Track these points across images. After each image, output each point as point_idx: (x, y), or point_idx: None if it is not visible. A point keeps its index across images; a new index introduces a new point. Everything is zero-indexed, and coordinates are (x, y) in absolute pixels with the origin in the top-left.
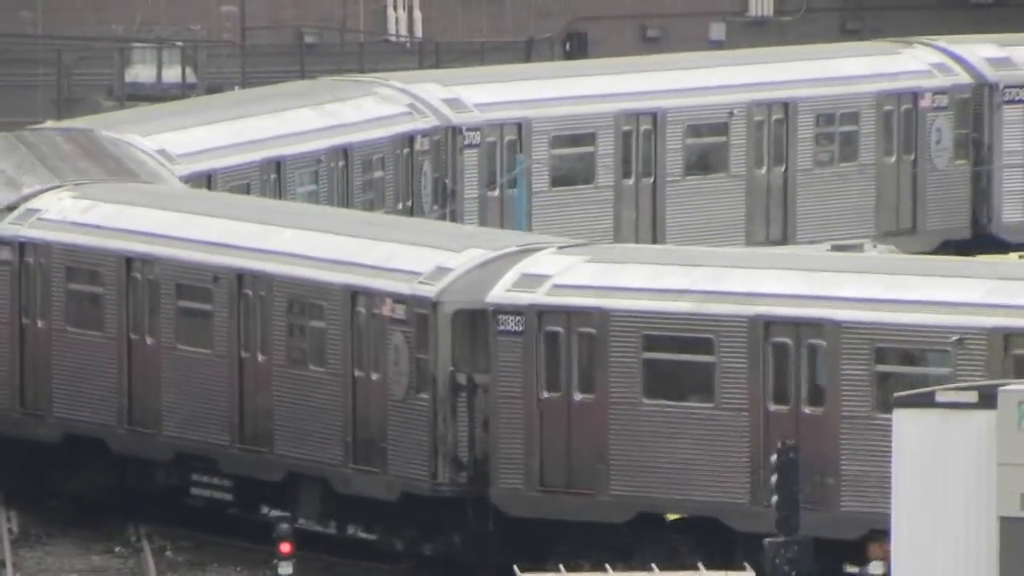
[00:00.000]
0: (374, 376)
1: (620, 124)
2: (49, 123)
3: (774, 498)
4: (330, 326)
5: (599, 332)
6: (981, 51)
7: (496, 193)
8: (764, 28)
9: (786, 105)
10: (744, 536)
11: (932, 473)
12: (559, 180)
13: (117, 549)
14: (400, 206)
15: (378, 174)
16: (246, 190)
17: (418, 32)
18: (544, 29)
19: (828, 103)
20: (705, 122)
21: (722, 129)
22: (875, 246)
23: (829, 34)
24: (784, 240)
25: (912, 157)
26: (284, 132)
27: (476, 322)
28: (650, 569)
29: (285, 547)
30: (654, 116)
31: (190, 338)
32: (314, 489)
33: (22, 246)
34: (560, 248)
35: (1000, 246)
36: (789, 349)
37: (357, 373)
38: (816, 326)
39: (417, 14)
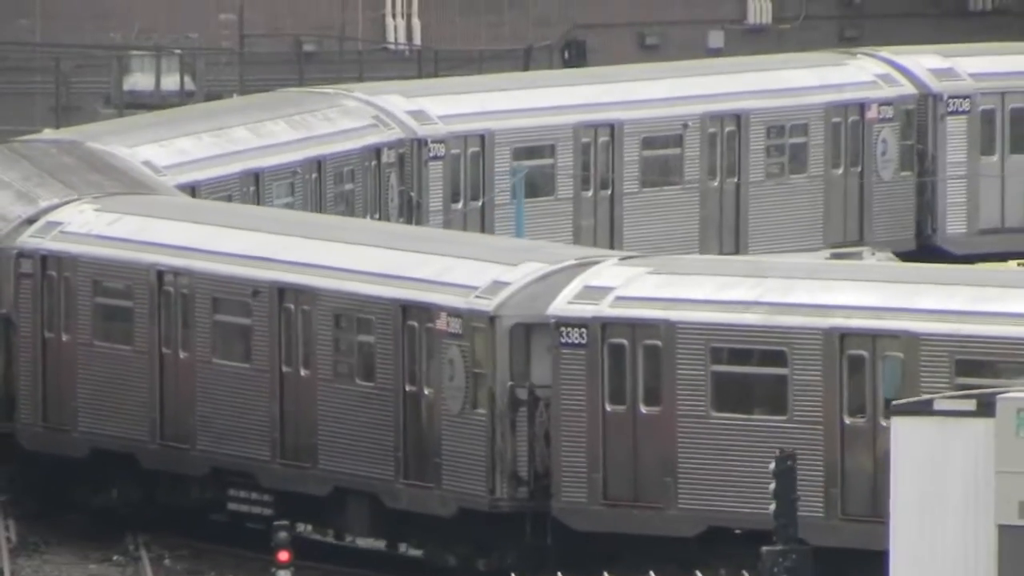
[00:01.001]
0: (427, 391)
1: (579, 136)
2: (34, 135)
3: (772, 506)
4: (379, 340)
5: (665, 344)
6: (925, 62)
7: (460, 205)
8: (763, 36)
9: (738, 117)
10: (818, 550)
11: (930, 481)
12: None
13: (115, 557)
14: (369, 219)
15: (348, 186)
16: (227, 201)
17: (417, 40)
18: (543, 37)
19: (778, 115)
20: (660, 134)
21: (677, 141)
22: (874, 253)
23: (828, 42)
24: (736, 252)
25: (859, 169)
26: (260, 144)
27: (533, 336)
28: None
29: (283, 555)
30: (611, 128)
31: (227, 352)
32: (362, 504)
33: (44, 259)
34: (622, 260)
35: (945, 258)
36: (865, 361)
37: (408, 387)
38: (894, 338)
39: (416, 22)
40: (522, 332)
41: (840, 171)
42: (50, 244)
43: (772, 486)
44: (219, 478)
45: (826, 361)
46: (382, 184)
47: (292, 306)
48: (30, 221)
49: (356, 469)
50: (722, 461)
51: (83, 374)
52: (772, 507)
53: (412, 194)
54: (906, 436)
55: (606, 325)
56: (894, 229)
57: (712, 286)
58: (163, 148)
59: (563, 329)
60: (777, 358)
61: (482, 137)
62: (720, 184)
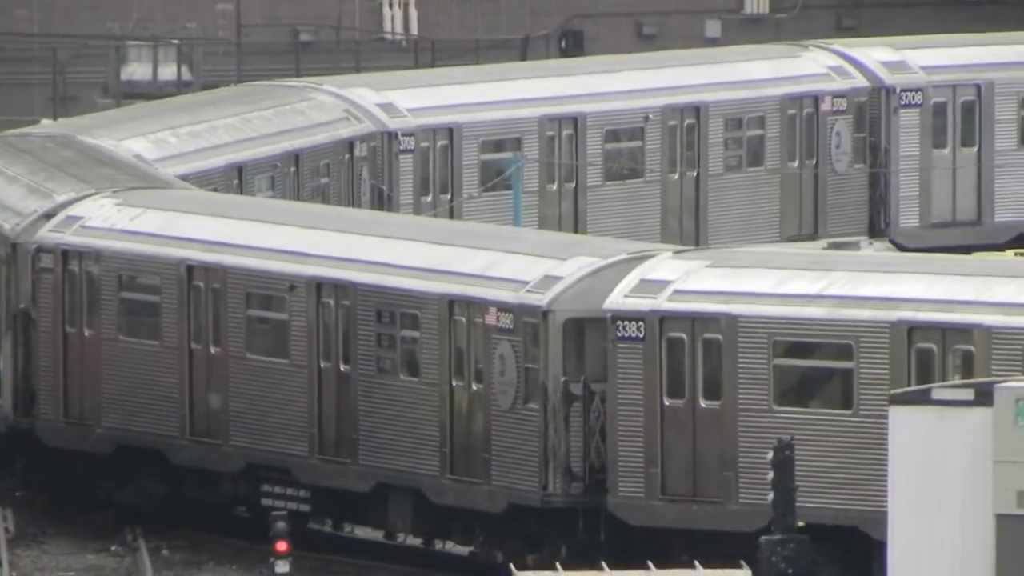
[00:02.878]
0: (475, 386)
1: (544, 129)
2: (26, 128)
3: (770, 496)
4: (425, 335)
5: (726, 338)
6: (876, 54)
7: (429, 199)
8: (760, 25)
9: (697, 109)
10: (884, 545)
11: (928, 471)
12: (489, 186)
13: (113, 548)
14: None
15: (324, 180)
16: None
17: (414, 30)
18: (540, 27)
19: (737, 107)
20: (623, 127)
21: (638, 134)
22: (871, 243)
23: (825, 31)
24: (696, 245)
25: (814, 161)
26: (240, 138)
27: (585, 331)
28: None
29: (282, 546)
30: (575, 121)
31: (261, 348)
32: (405, 500)
33: (65, 253)
34: (677, 253)
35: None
36: (934, 355)
37: (455, 383)
38: (965, 332)
39: (413, 12)
40: (575, 327)
41: (796, 164)
42: (71, 239)
43: (770, 475)
44: (252, 474)
45: (894, 355)
46: (354, 178)
47: (331, 301)
48: (48, 216)
49: (399, 465)
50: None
51: (107, 369)
52: (770, 497)
53: (383, 187)
54: (904, 425)
55: (664, 319)
56: (848, 222)
57: (774, 279)
58: (149, 141)
59: (620, 323)
60: (843, 352)
61: (450, 130)
62: (680, 177)
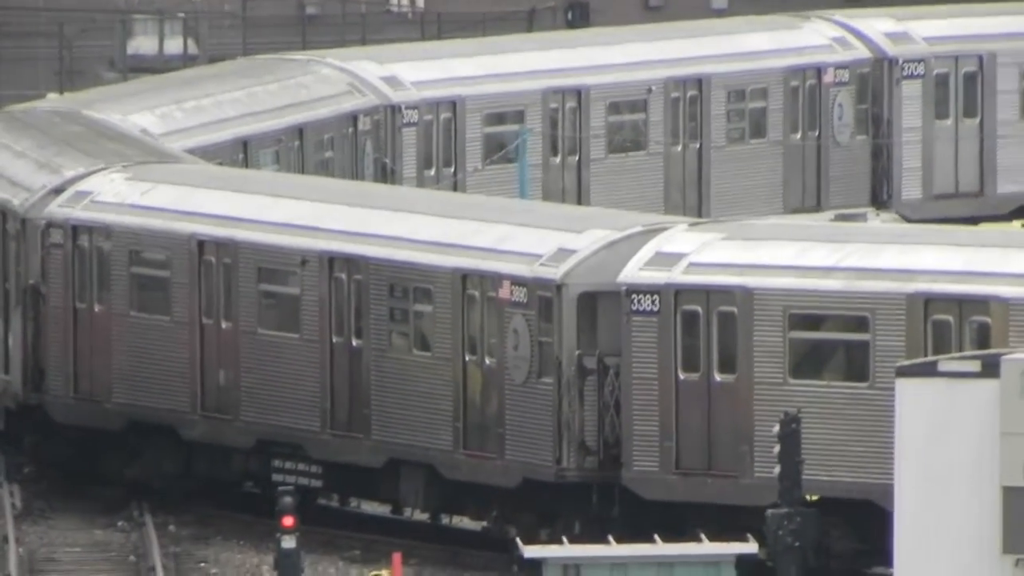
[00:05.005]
0: (488, 360)
1: (547, 101)
2: (30, 103)
3: (776, 469)
4: (438, 310)
5: (741, 311)
6: (879, 25)
7: (433, 172)
8: None
9: (700, 81)
10: None
11: (935, 442)
12: (493, 159)
13: (120, 524)
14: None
15: (328, 154)
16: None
17: (420, 3)
18: None
19: (739, 79)
20: (626, 99)
21: (642, 106)
22: (877, 215)
23: (832, 2)
24: (700, 216)
25: (816, 133)
26: (245, 111)
27: (599, 304)
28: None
29: (288, 520)
30: (578, 93)
31: (273, 323)
32: (417, 476)
33: (75, 229)
34: (692, 225)
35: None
36: (951, 327)
37: (468, 357)
38: (981, 303)
39: None
40: (589, 300)
41: (798, 135)
42: (81, 214)
43: (776, 449)
44: (263, 449)
45: (910, 327)
46: (358, 151)
47: (343, 275)
48: (57, 191)
49: (412, 440)
50: (800, 429)
51: (118, 345)
52: (776, 470)
53: (386, 161)
54: (911, 397)
55: (679, 292)
56: (850, 194)
57: (790, 251)
58: (154, 115)
59: (634, 296)
60: (859, 324)
61: (453, 103)
62: (683, 149)
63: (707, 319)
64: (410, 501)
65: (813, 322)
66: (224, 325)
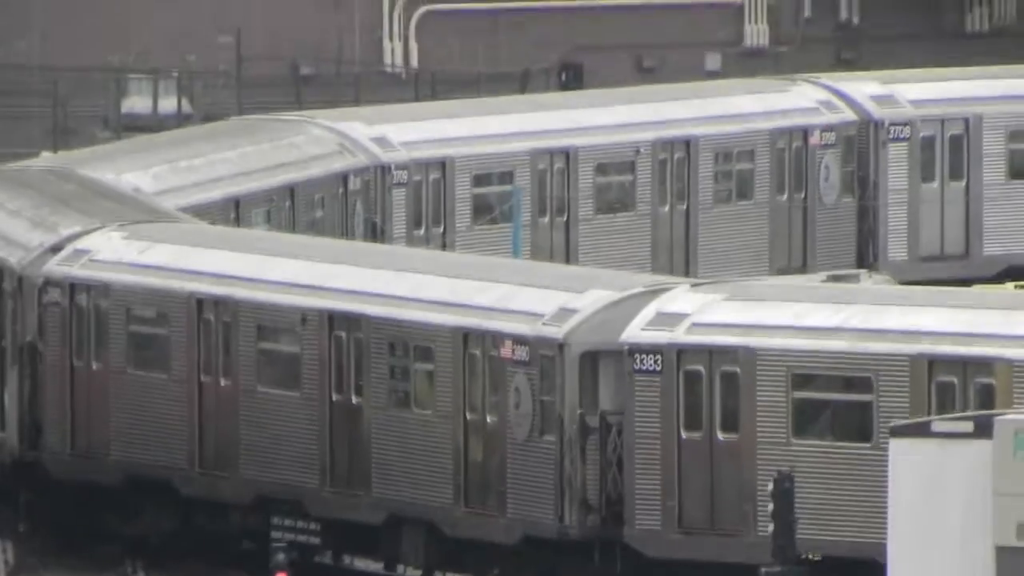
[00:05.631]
0: (490, 418)
1: (536, 162)
2: (23, 161)
3: (770, 527)
4: (439, 368)
5: (744, 371)
6: (865, 88)
7: (422, 232)
8: (760, 58)
9: (687, 143)
10: None
11: (928, 503)
12: (481, 219)
13: None
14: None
15: (319, 214)
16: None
17: (414, 63)
18: (540, 60)
19: (726, 141)
20: (614, 160)
21: (629, 168)
22: (870, 276)
23: (825, 64)
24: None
25: (803, 194)
26: (236, 171)
27: (600, 363)
28: None
29: None
30: (567, 154)
31: (272, 380)
32: (418, 533)
33: (73, 287)
34: (694, 286)
35: None
36: (954, 388)
37: (469, 415)
38: (985, 364)
39: (413, 45)
40: (591, 359)
41: (784, 197)
42: (79, 272)
43: (770, 507)
44: (261, 506)
45: (914, 388)
46: (348, 211)
47: (343, 334)
48: (54, 249)
49: (413, 497)
50: (803, 488)
51: (116, 402)
52: (770, 528)
53: (376, 220)
54: (904, 457)
55: (682, 352)
56: (836, 255)
57: (792, 312)
58: (147, 174)
59: (637, 356)
60: (862, 384)
61: (443, 163)
62: (671, 210)
63: (710, 379)
64: (411, 559)
65: (817, 382)
66: (223, 382)
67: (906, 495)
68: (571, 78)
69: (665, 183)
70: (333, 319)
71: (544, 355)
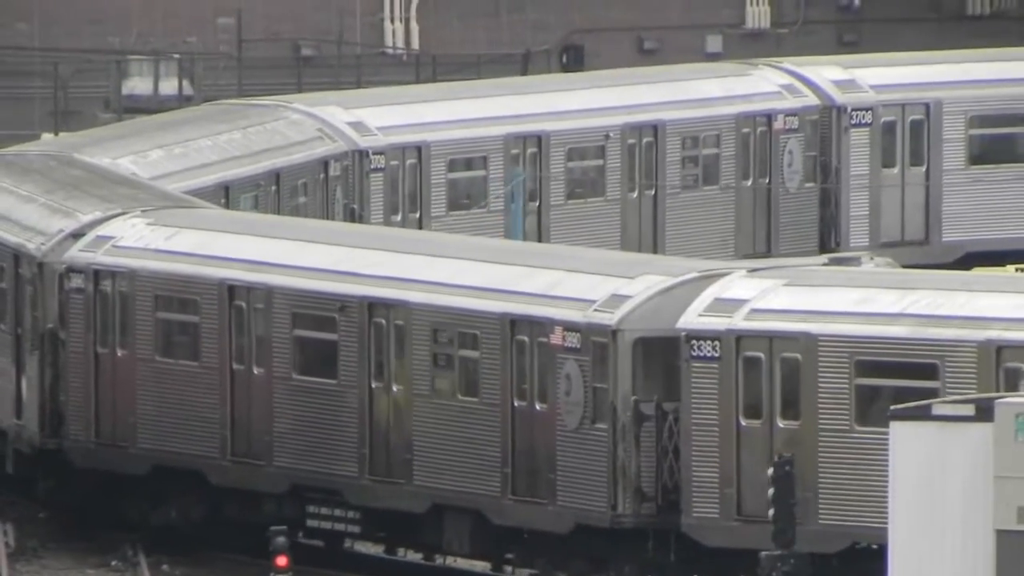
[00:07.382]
0: (539, 406)
1: (509, 147)
2: (21, 145)
3: (770, 511)
4: (485, 355)
5: (805, 357)
6: (827, 73)
7: (399, 217)
8: (761, 40)
9: (655, 128)
10: None
11: (929, 486)
12: (456, 204)
13: (113, 563)
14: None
15: (302, 199)
16: None
17: (415, 44)
18: (541, 42)
19: (693, 126)
20: (584, 145)
21: (599, 152)
22: (872, 259)
23: (826, 47)
24: None
25: (767, 180)
26: (224, 156)
27: (654, 350)
28: None
29: (281, 560)
30: (539, 139)
31: (309, 368)
32: (463, 522)
33: (97, 273)
34: (751, 272)
35: None
36: (1023, 374)
37: (517, 403)
38: None
39: (414, 26)
40: (644, 346)
41: (749, 182)
42: (103, 258)
43: (770, 491)
44: (296, 495)
45: (981, 375)
46: (328, 197)
47: (383, 321)
48: (75, 236)
49: (458, 485)
50: (865, 476)
51: (143, 390)
52: (770, 512)
53: (354, 206)
54: (905, 441)
55: (741, 338)
56: (799, 241)
57: (854, 298)
58: (140, 160)
59: (694, 342)
60: (928, 371)
61: (419, 149)
62: (639, 195)
63: (770, 365)
64: (454, 547)
65: (880, 369)
66: (256, 370)
67: (906, 479)
68: (572, 60)
69: (634, 168)
70: (373, 306)
71: (596, 341)
